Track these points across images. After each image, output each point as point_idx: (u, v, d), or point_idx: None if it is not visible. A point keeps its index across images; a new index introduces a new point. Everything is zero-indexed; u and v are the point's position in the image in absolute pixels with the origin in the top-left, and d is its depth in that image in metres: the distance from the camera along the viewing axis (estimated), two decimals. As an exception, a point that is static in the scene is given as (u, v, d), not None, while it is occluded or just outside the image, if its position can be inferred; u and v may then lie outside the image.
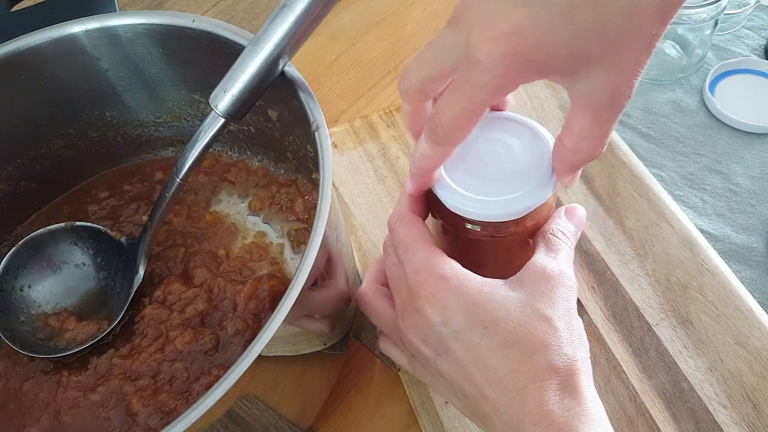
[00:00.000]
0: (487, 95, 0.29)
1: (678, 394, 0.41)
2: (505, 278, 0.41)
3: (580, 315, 0.44)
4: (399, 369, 0.45)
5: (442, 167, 0.37)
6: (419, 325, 0.33)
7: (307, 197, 0.45)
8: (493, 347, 0.31)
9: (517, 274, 0.34)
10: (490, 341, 0.31)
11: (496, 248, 0.38)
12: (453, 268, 0.33)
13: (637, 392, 0.41)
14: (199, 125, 0.36)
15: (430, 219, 0.43)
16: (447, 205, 0.36)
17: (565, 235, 0.35)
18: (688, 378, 0.41)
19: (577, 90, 0.30)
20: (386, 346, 0.39)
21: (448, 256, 0.41)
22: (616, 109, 0.30)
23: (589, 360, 0.32)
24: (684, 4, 0.54)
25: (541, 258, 0.34)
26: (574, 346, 0.31)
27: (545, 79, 0.30)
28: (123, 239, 0.43)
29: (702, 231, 0.49)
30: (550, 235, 0.35)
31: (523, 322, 0.31)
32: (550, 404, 0.29)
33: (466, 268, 0.43)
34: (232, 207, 0.47)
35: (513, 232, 0.37)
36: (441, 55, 0.31)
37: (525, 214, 0.35)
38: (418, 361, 0.35)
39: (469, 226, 0.37)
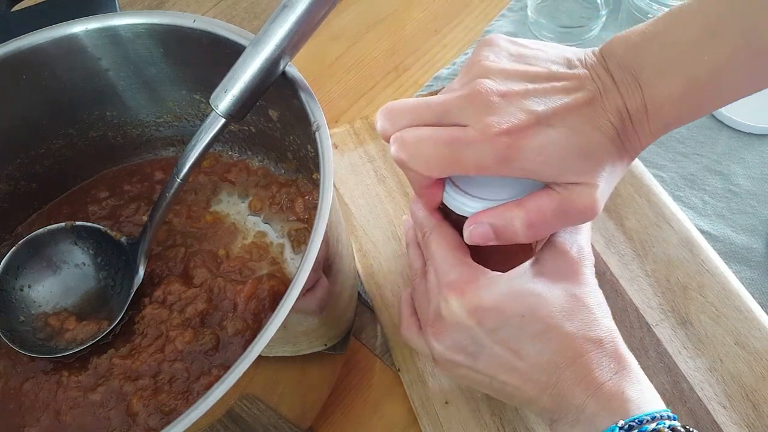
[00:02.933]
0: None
1: (678, 395, 0.41)
2: None
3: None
4: (399, 369, 0.45)
5: None
6: (450, 333, 0.34)
7: (307, 197, 0.45)
8: (534, 335, 0.32)
9: (539, 256, 0.35)
10: (531, 329, 0.32)
11: (497, 247, 0.38)
12: (479, 271, 0.34)
13: (637, 393, 0.41)
14: (200, 125, 0.36)
15: None
16: (449, 206, 0.36)
17: (579, 211, 0.34)
18: (688, 378, 0.41)
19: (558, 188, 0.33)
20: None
21: None
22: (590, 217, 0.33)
23: (617, 332, 0.34)
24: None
25: (561, 237, 0.35)
26: (608, 317, 0.34)
27: None
28: (123, 239, 0.43)
29: (702, 231, 0.49)
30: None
31: (558, 306, 0.32)
32: (597, 372, 0.31)
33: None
34: (233, 207, 0.47)
35: None
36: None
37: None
38: (452, 369, 0.36)
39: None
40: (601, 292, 0.35)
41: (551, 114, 0.31)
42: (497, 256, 0.37)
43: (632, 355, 0.33)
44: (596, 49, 0.33)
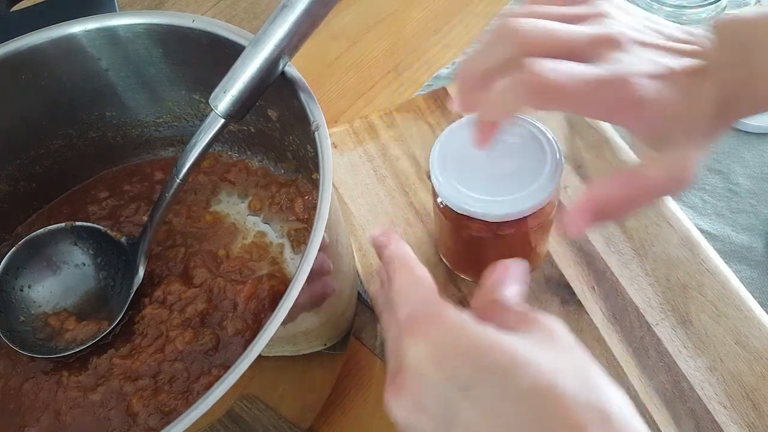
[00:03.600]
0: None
1: (678, 394, 0.41)
2: None
3: (580, 315, 0.44)
4: (399, 369, 0.45)
5: (446, 168, 0.37)
6: (413, 392, 0.27)
7: (307, 197, 0.45)
8: (516, 398, 0.25)
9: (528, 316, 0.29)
10: (512, 391, 0.25)
11: (498, 246, 0.38)
12: (449, 309, 0.28)
13: (637, 392, 0.41)
14: (199, 125, 0.36)
15: (435, 217, 0.43)
16: (450, 204, 0.36)
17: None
18: (688, 378, 0.41)
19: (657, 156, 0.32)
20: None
21: (452, 253, 0.41)
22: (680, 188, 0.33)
23: (628, 402, 0.26)
24: (684, 4, 0.54)
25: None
26: (615, 386, 0.26)
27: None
28: (123, 239, 0.43)
29: (702, 231, 0.49)
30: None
31: (547, 364, 0.25)
32: None
33: (468, 266, 0.43)
34: (232, 207, 0.47)
35: (515, 231, 0.37)
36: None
37: (528, 214, 0.35)
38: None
39: (483, 229, 0.37)
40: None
41: (681, 71, 0.31)
42: (497, 259, 0.37)
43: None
44: (708, 24, 0.33)
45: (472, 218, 0.37)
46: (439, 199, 0.39)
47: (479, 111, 0.34)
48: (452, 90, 0.37)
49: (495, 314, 0.29)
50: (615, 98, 0.31)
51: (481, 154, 0.37)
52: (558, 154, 0.37)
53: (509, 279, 0.31)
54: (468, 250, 0.42)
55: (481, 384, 0.25)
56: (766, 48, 0.31)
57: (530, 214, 0.36)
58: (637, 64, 0.31)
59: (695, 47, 0.33)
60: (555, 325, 0.27)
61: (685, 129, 0.32)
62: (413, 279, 0.30)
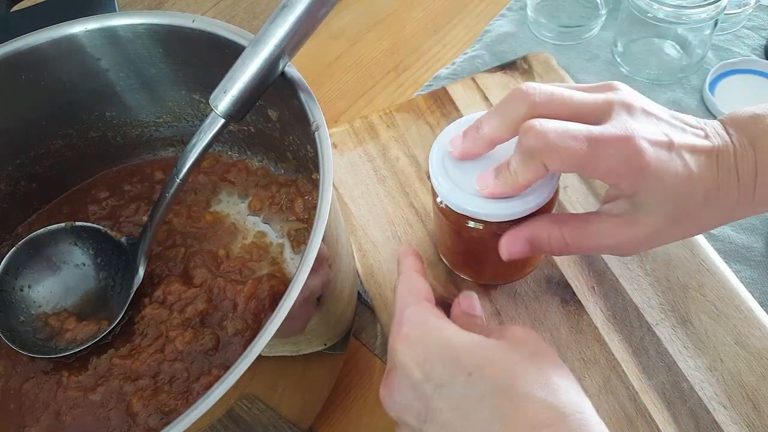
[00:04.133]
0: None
1: (678, 394, 0.41)
2: (506, 278, 0.41)
3: (580, 315, 0.44)
4: (399, 369, 0.45)
5: (446, 167, 0.37)
6: (400, 389, 0.30)
7: (307, 197, 0.45)
8: (481, 397, 0.27)
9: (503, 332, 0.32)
10: (477, 390, 0.27)
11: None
12: (432, 315, 0.31)
13: (637, 392, 0.41)
14: (199, 125, 0.36)
15: (434, 217, 0.43)
16: (450, 205, 0.36)
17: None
18: (688, 378, 0.41)
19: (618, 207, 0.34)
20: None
21: (451, 253, 0.42)
22: (640, 247, 0.35)
23: (588, 404, 0.28)
24: (684, 4, 0.54)
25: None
26: (577, 390, 0.28)
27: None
28: (123, 239, 0.43)
29: (702, 231, 0.49)
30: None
31: (510, 366, 0.28)
32: None
33: (468, 266, 0.43)
34: (232, 207, 0.47)
35: None
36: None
37: (528, 213, 0.35)
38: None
39: (471, 224, 0.37)
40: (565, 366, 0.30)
41: (684, 146, 0.32)
42: (497, 259, 0.37)
43: None
44: (719, 117, 0.35)
45: (471, 218, 0.37)
46: (438, 199, 0.39)
47: (496, 187, 0.35)
48: (454, 144, 0.38)
49: (473, 326, 0.31)
50: (618, 158, 0.32)
51: (482, 155, 0.37)
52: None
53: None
54: (468, 250, 0.42)
55: (453, 383, 0.28)
56: None
57: (530, 214, 0.36)
58: (643, 129, 0.32)
59: (702, 132, 0.33)
60: (525, 335, 0.30)
61: (677, 202, 0.32)
62: (409, 287, 0.34)
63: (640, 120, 0.33)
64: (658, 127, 0.33)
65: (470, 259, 0.43)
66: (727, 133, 0.33)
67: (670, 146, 0.32)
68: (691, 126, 0.34)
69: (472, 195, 0.36)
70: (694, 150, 0.33)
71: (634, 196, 0.33)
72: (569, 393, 0.27)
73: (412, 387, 0.29)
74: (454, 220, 0.38)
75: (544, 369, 0.28)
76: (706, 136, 0.33)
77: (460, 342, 0.29)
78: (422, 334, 0.30)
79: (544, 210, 0.37)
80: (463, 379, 0.28)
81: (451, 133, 0.39)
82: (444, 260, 0.47)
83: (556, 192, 0.38)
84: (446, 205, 0.38)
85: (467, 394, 0.27)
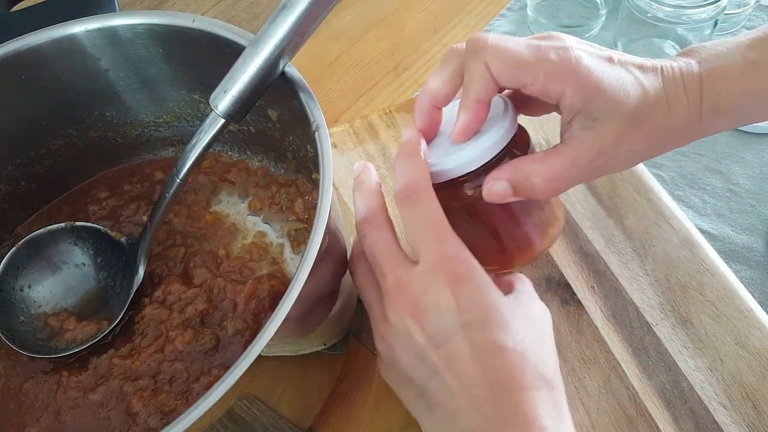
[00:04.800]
0: None
1: (678, 394, 0.41)
2: (516, 256, 0.39)
3: (580, 315, 0.44)
4: (399, 369, 0.45)
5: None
6: (424, 303, 0.31)
7: (307, 197, 0.45)
8: (499, 349, 0.30)
9: (516, 291, 0.34)
10: (499, 343, 0.30)
11: (504, 211, 0.37)
12: (475, 261, 0.32)
13: (637, 392, 0.41)
14: (199, 125, 0.36)
15: None
16: (436, 177, 0.35)
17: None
18: (688, 378, 0.41)
19: (575, 130, 0.33)
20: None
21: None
22: (597, 170, 0.34)
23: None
24: (684, 4, 0.54)
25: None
26: (557, 365, 0.32)
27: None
28: (123, 239, 0.43)
29: (702, 231, 0.49)
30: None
31: (532, 337, 0.31)
32: (541, 414, 0.29)
33: (483, 245, 0.39)
34: (232, 207, 0.47)
35: None
36: None
37: (496, 152, 0.35)
38: (396, 347, 0.32)
39: (466, 188, 0.36)
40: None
41: (626, 62, 0.34)
42: (506, 225, 0.37)
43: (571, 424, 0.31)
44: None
45: (461, 179, 0.36)
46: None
47: (459, 120, 0.35)
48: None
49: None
50: (559, 63, 0.32)
51: (446, 126, 0.37)
52: (508, 103, 0.37)
53: None
54: (476, 226, 0.39)
55: (482, 329, 0.30)
56: (713, 54, 0.33)
57: (503, 157, 0.35)
58: (582, 48, 0.33)
59: (643, 60, 0.34)
60: (525, 286, 0.34)
61: (620, 105, 0.32)
62: (385, 244, 0.34)
63: (579, 44, 0.34)
64: (598, 52, 0.34)
65: (484, 235, 0.39)
66: (670, 59, 0.35)
67: (610, 59, 0.33)
68: (634, 58, 0.35)
69: (450, 156, 0.35)
70: (636, 65, 0.34)
71: (586, 110, 0.33)
72: (555, 368, 0.32)
73: (437, 310, 0.31)
74: (450, 195, 0.36)
75: (546, 335, 0.33)
76: (649, 64, 0.34)
77: (502, 299, 0.32)
78: (469, 274, 0.31)
79: (518, 154, 0.36)
80: (493, 331, 0.30)
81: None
82: None
83: (525, 133, 0.37)
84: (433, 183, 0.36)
85: (492, 344, 0.30)
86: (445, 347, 0.30)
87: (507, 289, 0.34)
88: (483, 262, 0.37)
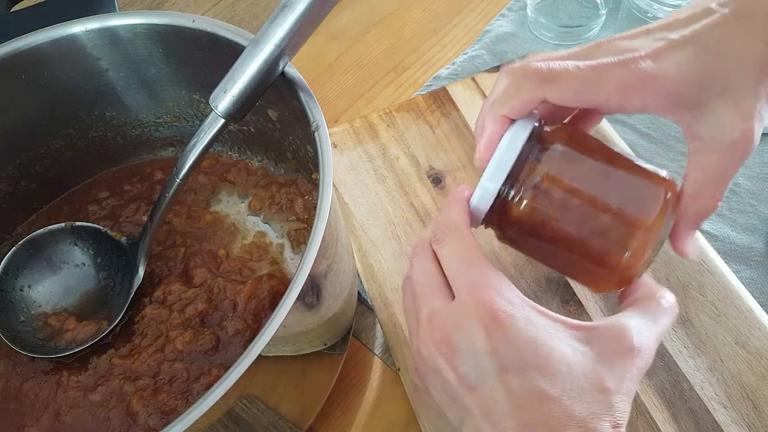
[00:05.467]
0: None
1: (678, 394, 0.41)
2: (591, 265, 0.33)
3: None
4: (399, 369, 0.45)
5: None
6: (455, 341, 0.29)
7: (307, 197, 0.45)
8: (540, 397, 0.27)
9: (595, 323, 0.29)
10: (539, 390, 0.27)
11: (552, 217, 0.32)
12: (520, 297, 0.29)
13: (637, 392, 0.41)
14: (199, 125, 0.36)
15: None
16: (482, 207, 0.32)
17: (671, 306, 0.32)
18: (688, 378, 0.41)
19: (700, 128, 0.30)
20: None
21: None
22: (744, 151, 0.30)
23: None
24: (684, 4, 0.54)
25: (631, 320, 0.29)
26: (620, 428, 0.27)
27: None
28: (123, 239, 0.43)
29: (702, 231, 0.49)
30: (658, 298, 0.31)
31: (580, 385, 0.27)
32: None
33: (561, 262, 0.34)
34: (232, 207, 0.47)
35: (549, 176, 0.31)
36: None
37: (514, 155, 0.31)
38: (429, 381, 0.31)
39: (511, 203, 0.32)
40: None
41: (686, 37, 0.30)
42: (569, 240, 0.32)
43: None
44: None
45: (501, 201, 0.32)
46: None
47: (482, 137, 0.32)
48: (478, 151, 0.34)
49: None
50: (622, 78, 0.30)
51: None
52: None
53: None
54: (544, 247, 0.33)
55: (519, 372, 0.27)
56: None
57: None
58: (640, 47, 0.30)
59: (701, 11, 0.30)
60: (636, 360, 0.29)
61: (718, 85, 0.29)
62: (426, 274, 0.31)
63: (633, 43, 0.31)
64: (654, 36, 0.31)
65: (553, 249, 0.34)
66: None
67: (673, 44, 0.30)
68: (686, 13, 0.31)
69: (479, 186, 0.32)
70: (699, 32, 0.30)
71: (678, 112, 0.30)
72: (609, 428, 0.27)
73: (472, 352, 0.28)
74: (504, 227, 0.33)
75: (609, 400, 0.27)
76: (710, 13, 0.30)
77: (546, 337, 0.28)
78: (507, 313, 0.28)
79: (546, 147, 0.32)
80: (532, 374, 0.27)
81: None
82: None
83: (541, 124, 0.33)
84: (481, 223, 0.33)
85: (529, 389, 0.27)
86: (479, 391, 0.28)
87: (578, 330, 0.29)
88: (584, 282, 0.34)
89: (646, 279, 0.33)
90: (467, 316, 0.28)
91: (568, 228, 0.31)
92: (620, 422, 0.27)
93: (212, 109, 0.35)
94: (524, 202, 0.31)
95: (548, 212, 0.31)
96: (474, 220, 0.32)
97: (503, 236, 0.33)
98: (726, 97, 0.29)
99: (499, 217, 0.32)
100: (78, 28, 0.40)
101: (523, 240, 0.33)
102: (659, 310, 0.31)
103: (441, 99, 0.58)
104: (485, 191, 0.31)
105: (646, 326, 0.30)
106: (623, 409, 0.27)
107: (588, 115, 0.36)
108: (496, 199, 0.32)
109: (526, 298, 0.29)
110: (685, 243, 0.32)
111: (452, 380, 0.29)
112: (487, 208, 0.32)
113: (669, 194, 0.31)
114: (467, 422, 0.29)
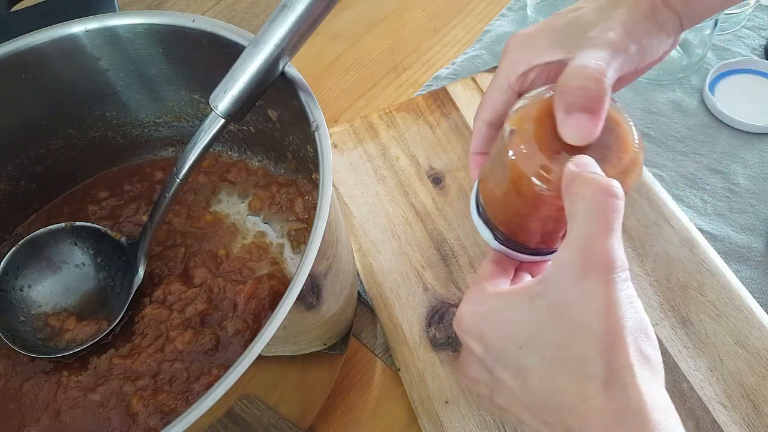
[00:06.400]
0: None
1: (678, 394, 0.41)
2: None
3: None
4: (399, 369, 0.45)
5: None
6: (470, 363, 0.32)
7: (307, 197, 0.45)
8: (534, 368, 0.27)
9: (549, 265, 0.28)
10: (530, 362, 0.27)
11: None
12: (486, 289, 0.31)
13: (637, 392, 0.41)
14: (199, 125, 0.36)
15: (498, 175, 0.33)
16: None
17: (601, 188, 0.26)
18: (688, 378, 0.41)
19: None
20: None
21: (512, 216, 0.33)
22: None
23: (653, 360, 0.26)
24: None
25: (579, 237, 0.26)
26: (612, 348, 0.25)
27: None
28: (123, 239, 0.43)
29: (702, 231, 0.49)
30: (573, 191, 0.27)
31: (556, 335, 0.27)
32: (598, 418, 0.25)
33: (528, 229, 0.33)
34: (232, 207, 0.47)
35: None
36: None
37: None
38: (484, 403, 0.33)
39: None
40: (637, 304, 0.26)
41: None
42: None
43: (655, 395, 0.25)
44: None
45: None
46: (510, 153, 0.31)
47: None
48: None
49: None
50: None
51: None
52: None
53: None
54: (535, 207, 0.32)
55: (505, 356, 0.29)
56: None
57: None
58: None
59: None
60: (547, 279, 0.28)
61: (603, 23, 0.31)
62: (481, 272, 0.33)
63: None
64: None
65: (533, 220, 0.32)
66: None
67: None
68: None
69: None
70: None
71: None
72: (609, 355, 0.25)
73: (477, 361, 0.31)
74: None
75: (589, 329, 0.26)
76: None
77: (507, 310, 0.29)
78: (476, 311, 0.30)
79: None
80: (513, 352, 0.28)
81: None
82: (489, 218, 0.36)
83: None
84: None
85: (522, 365, 0.28)
86: (495, 394, 0.31)
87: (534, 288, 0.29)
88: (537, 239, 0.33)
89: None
90: (461, 332, 0.31)
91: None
92: (606, 345, 0.25)
93: (212, 109, 0.35)
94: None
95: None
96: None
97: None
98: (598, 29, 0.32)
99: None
100: (78, 28, 0.40)
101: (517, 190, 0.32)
102: (593, 203, 0.26)
103: (441, 99, 0.58)
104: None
105: (592, 236, 0.26)
106: (601, 328, 0.25)
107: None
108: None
109: (492, 290, 0.31)
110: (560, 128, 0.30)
111: (481, 390, 0.32)
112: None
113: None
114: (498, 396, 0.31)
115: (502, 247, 0.34)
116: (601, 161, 0.28)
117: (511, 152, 0.29)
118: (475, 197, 0.35)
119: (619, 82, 0.34)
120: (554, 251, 0.33)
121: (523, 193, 0.30)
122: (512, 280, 0.34)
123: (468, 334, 0.31)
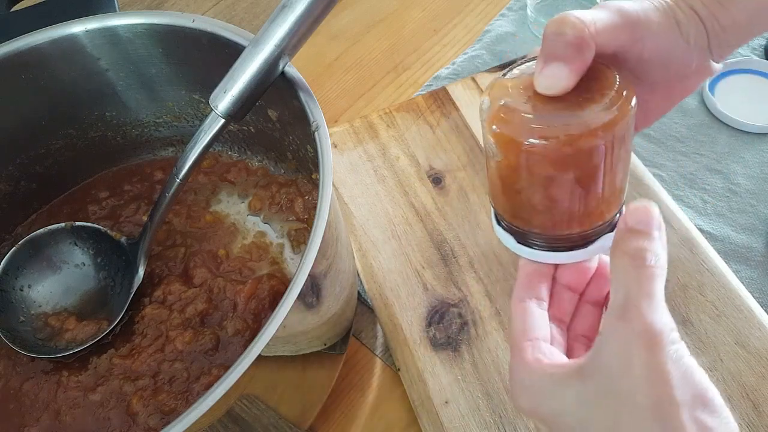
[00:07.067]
0: None
1: (678, 394, 0.41)
2: (583, 218, 0.32)
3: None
4: (399, 369, 0.45)
5: None
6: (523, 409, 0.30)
7: (307, 197, 0.45)
8: None
9: (595, 346, 0.26)
10: None
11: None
12: (530, 366, 0.28)
13: (637, 392, 0.41)
14: (199, 125, 0.36)
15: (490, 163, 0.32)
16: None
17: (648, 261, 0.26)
18: (688, 378, 0.41)
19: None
20: None
21: (513, 197, 0.32)
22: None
23: None
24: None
25: (613, 325, 0.25)
26: (664, 421, 0.25)
27: None
28: (123, 239, 0.43)
29: (702, 231, 0.49)
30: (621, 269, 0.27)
31: (606, 415, 0.25)
32: None
33: (535, 209, 0.32)
34: (232, 207, 0.47)
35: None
36: None
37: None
38: None
39: (533, 140, 0.28)
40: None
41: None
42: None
43: None
44: None
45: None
46: (494, 127, 0.29)
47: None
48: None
49: None
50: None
51: None
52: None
53: None
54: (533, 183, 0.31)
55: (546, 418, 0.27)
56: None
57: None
58: None
59: None
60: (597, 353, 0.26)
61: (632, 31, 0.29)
62: (519, 322, 0.30)
63: None
64: None
65: (538, 196, 0.31)
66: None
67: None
68: None
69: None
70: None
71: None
72: None
73: (526, 412, 0.28)
74: (511, 146, 0.29)
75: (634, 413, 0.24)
76: None
77: (549, 384, 0.27)
78: (529, 399, 0.28)
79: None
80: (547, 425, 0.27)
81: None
82: (502, 217, 0.35)
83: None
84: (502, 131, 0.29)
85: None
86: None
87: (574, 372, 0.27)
88: (548, 223, 0.32)
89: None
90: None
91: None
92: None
93: (212, 109, 0.35)
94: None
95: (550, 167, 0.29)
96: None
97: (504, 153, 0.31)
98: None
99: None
100: (78, 28, 0.40)
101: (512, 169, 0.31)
102: (633, 268, 0.26)
103: (441, 99, 0.58)
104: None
105: (634, 299, 0.25)
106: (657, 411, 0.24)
107: None
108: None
109: (536, 367, 0.28)
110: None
111: None
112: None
113: None
114: None
115: (525, 248, 0.32)
116: (584, 101, 0.27)
117: (494, 126, 0.28)
118: (493, 212, 0.33)
119: (645, 117, 0.34)
120: (574, 246, 0.32)
121: (513, 161, 0.29)
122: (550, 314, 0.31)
123: (530, 416, 0.31)
